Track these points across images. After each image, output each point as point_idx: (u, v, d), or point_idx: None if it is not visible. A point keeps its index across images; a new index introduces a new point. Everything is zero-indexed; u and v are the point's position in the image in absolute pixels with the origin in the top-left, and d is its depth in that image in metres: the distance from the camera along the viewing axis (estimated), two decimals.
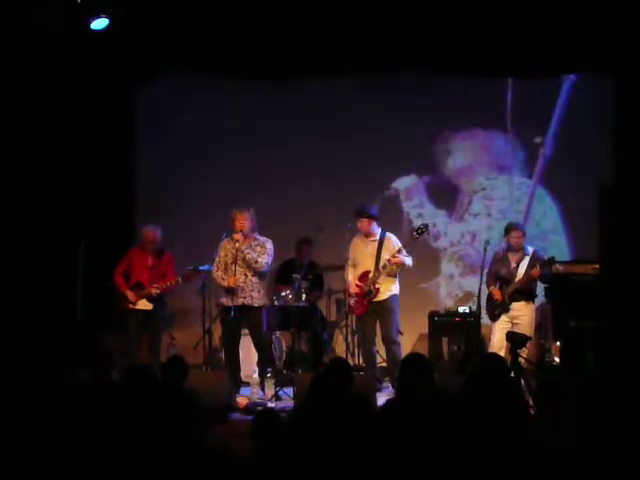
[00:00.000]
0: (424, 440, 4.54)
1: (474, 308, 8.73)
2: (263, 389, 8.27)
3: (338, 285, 9.56)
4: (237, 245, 8.11)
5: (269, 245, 8.26)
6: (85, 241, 8.58)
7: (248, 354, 8.65)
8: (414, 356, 5.61)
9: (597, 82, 9.79)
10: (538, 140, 10.02)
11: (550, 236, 10.02)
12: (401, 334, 8.70)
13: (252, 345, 8.46)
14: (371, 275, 8.41)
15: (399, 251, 8.34)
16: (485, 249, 8.40)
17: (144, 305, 8.55)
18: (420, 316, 9.49)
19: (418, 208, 10.26)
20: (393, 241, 8.49)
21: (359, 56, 9.60)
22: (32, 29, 8.70)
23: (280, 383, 8.27)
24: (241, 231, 8.12)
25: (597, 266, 7.92)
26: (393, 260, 8.31)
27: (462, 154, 10.28)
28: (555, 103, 9.95)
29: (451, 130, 10.24)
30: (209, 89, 10.28)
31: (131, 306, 8.55)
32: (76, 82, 9.59)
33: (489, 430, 4.52)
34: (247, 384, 8.50)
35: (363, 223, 8.48)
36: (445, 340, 9.43)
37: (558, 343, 8.63)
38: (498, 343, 8.13)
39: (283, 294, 9.29)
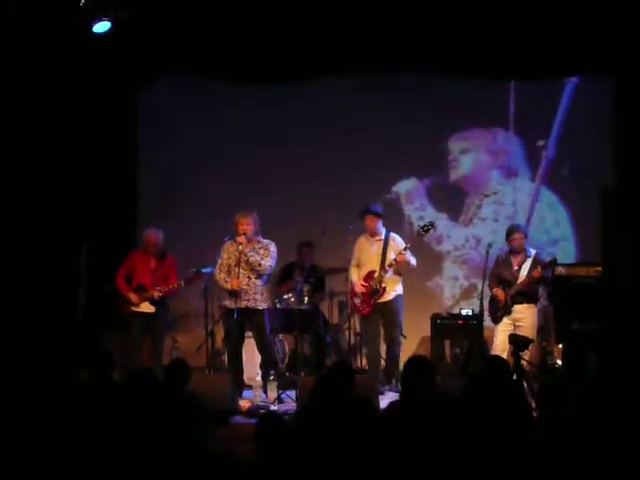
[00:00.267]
0: (427, 443, 4.54)
1: (477, 309, 8.74)
2: (266, 392, 8.26)
3: (340, 287, 9.57)
4: (240, 248, 8.12)
5: (272, 248, 8.26)
6: (87, 244, 8.58)
7: (251, 357, 8.64)
8: (417, 358, 5.61)
9: (599, 85, 9.78)
10: (540, 143, 10.02)
11: (560, 242, 10.01)
12: (404, 337, 8.74)
13: (255, 348, 8.46)
14: (376, 274, 8.50)
15: (405, 249, 8.42)
16: (487, 252, 8.45)
17: (146, 308, 8.56)
18: (422, 318, 9.48)
19: (419, 211, 10.26)
20: (398, 241, 8.62)
21: (360, 58, 9.59)
22: (34, 32, 8.71)
23: (283, 386, 8.27)
24: (244, 234, 8.13)
25: (599, 268, 7.92)
26: (399, 258, 8.39)
27: (464, 157, 10.27)
28: (557, 106, 9.94)
29: (453, 133, 10.23)
30: (210, 92, 10.29)
31: (133, 309, 8.56)
32: (78, 85, 9.60)
33: (491, 433, 4.52)
34: (250, 387, 8.50)
35: (371, 221, 8.56)
36: (447, 342, 9.44)
37: (560, 345, 8.62)
38: (500, 345, 8.13)
39: (285, 297, 9.30)
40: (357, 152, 10.11)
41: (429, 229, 8.54)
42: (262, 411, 7.64)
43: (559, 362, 8.76)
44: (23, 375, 6.28)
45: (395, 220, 9.63)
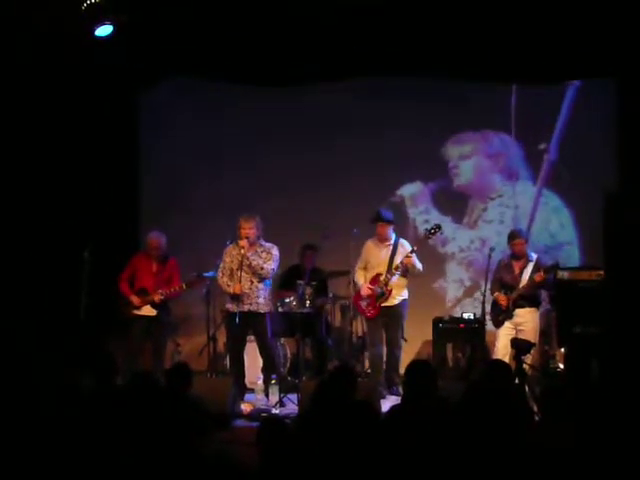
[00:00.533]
0: (428, 447, 4.54)
1: (479, 312, 8.75)
2: (267, 395, 8.27)
3: (342, 291, 9.57)
4: (243, 252, 8.11)
5: (275, 251, 8.27)
6: (89, 246, 8.58)
7: (253, 361, 8.65)
8: (419, 363, 5.62)
9: (601, 88, 9.77)
10: (542, 146, 10.02)
11: (565, 246, 10.00)
12: (405, 341, 8.76)
13: (257, 351, 8.46)
14: (382, 277, 8.57)
15: (411, 252, 8.50)
16: (489, 256, 8.46)
17: (148, 311, 8.56)
18: (426, 322, 9.46)
19: (424, 214, 10.25)
20: (406, 246, 8.71)
21: (364, 61, 9.56)
22: (37, 34, 8.71)
23: (284, 390, 8.27)
24: (247, 238, 8.12)
25: (602, 272, 7.91)
26: (406, 260, 8.47)
27: (464, 163, 10.27)
28: (559, 109, 9.94)
29: (456, 136, 10.22)
30: (212, 94, 10.29)
31: (135, 312, 8.56)
32: (79, 87, 9.59)
33: (493, 436, 4.51)
34: (252, 390, 8.50)
35: (382, 228, 8.66)
36: (449, 346, 9.42)
37: (562, 349, 8.61)
38: (502, 349, 8.15)
39: (287, 300, 9.29)
40: (360, 155, 10.09)
41: (436, 232, 8.63)
42: (264, 415, 7.65)
43: (561, 366, 8.74)
44: (25, 379, 6.28)
45: (400, 223, 9.63)
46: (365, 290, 8.66)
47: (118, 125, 10.16)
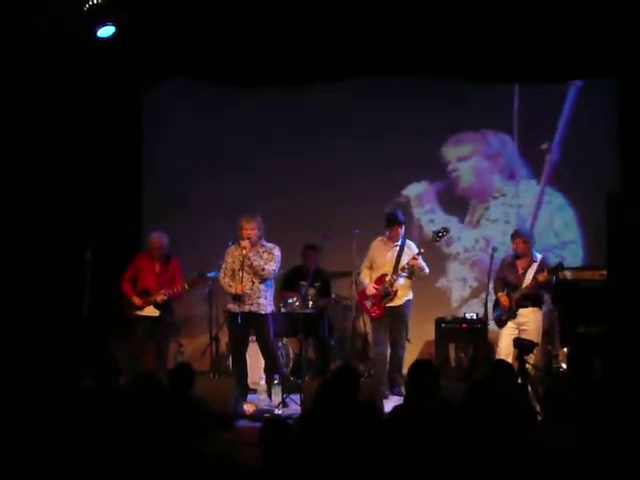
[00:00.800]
0: (431, 447, 4.54)
1: (481, 313, 8.75)
2: (270, 396, 8.27)
3: (345, 292, 9.57)
4: (244, 252, 8.11)
5: (277, 252, 8.26)
6: (92, 247, 8.58)
7: (255, 361, 8.65)
8: (421, 363, 5.61)
9: (603, 88, 9.77)
10: (545, 146, 10.01)
11: (569, 245, 9.99)
12: (409, 342, 8.77)
13: (259, 352, 8.45)
14: (388, 278, 8.58)
15: (418, 254, 8.53)
16: (492, 255, 8.45)
17: (151, 312, 8.56)
18: (429, 322, 9.46)
19: (429, 214, 10.25)
20: (413, 248, 8.72)
21: (364, 61, 9.56)
22: (40, 35, 8.72)
23: (287, 390, 8.26)
24: (248, 239, 8.12)
25: (604, 272, 7.91)
26: (412, 262, 8.48)
27: (462, 166, 10.27)
28: (561, 109, 9.93)
29: (459, 136, 10.22)
30: (212, 95, 10.28)
31: (138, 312, 8.56)
32: (81, 87, 9.60)
33: (496, 437, 4.51)
34: (254, 391, 8.50)
35: (396, 231, 8.69)
36: (452, 346, 9.42)
37: (565, 349, 8.60)
38: (505, 349, 8.14)
39: (290, 301, 9.29)
40: (360, 155, 10.07)
41: (444, 235, 8.63)
42: (266, 415, 7.65)
43: (564, 366, 8.74)
44: (26, 379, 6.28)
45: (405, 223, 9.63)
46: (371, 289, 8.66)
47: (119, 125, 10.15)
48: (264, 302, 8.22)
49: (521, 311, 8.26)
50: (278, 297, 9.16)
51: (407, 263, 8.54)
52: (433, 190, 10.30)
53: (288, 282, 9.61)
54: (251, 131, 10.33)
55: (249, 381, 8.51)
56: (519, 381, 6.83)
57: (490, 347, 8.81)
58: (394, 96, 9.95)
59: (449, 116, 9.97)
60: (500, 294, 8.38)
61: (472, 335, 9.15)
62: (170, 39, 9.27)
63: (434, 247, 9.08)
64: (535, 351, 7.88)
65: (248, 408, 7.89)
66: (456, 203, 10.23)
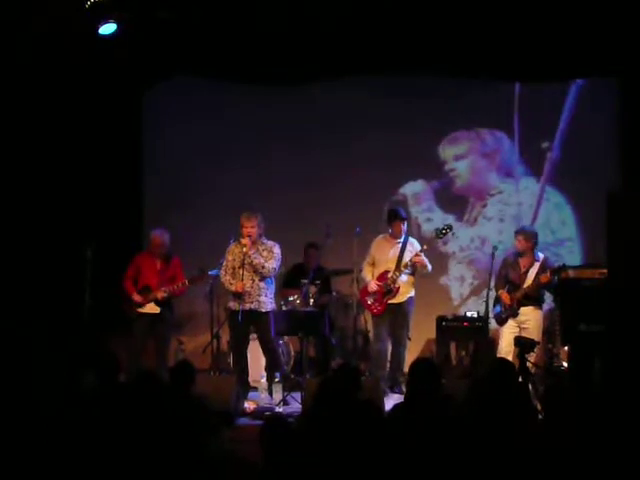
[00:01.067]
0: (432, 445, 4.54)
1: (481, 311, 8.75)
2: (271, 394, 8.28)
3: (346, 289, 9.57)
4: (245, 250, 8.12)
5: (277, 250, 8.26)
6: (92, 245, 8.58)
7: (256, 359, 8.66)
8: (422, 361, 5.61)
9: (604, 86, 9.77)
10: (545, 144, 10.01)
11: (566, 243, 10.00)
12: (409, 340, 8.77)
13: (260, 350, 8.46)
14: (390, 274, 8.60)
15: (421, 251, 8.57)
16: (493, 254, 8.45)
17: (151, 309, 8.57)
18: (429, 320, 9.46)
19: (427, 213, 10.26)
20: (415, 245, 8.75)
21: (364, 61, 9.57)
22: (41, 33, 8.72)
23: (288, 388, 8.27)
24: (249, 237, 8.12)
25: (605, 271, 7.90)
26: (415, 259, 8.51)
27: (459, 165, 10.27)
28: (562, 107, 9.93)
29: (458, 134, 10.22)
30: (216, 93, 10.29)
31: (139, 310, 8.57)
32: (83, 86, 9.59)
33: (496, 435, 4.51)
34: (255, 389, 8.52)
35: (399, 226, 8.71)
36: (453, 345, 9.42)
37: (566, 348, 8.60)
38: (506, 348, 8.14)
39: (291, 299, 9.29)
40: (360, 154, 10.08)
41: (447, 232, 8.64)
42: (267, 413, 7.66)
43: (565, 364, 8.74)
44: (28, 377, 6.28)
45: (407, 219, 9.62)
46: (373, 286, 8.66)
47: (120, 124, 10.15)
48: (265, 300, 8.23)
49: (522, 309, 8.27)
50: (279, 295, 9.17)
51: (410, 260, 8.55)
52: (430, 189, 10.30)
53: (289, 280, 9.62)
54: (251, 130, 10.33)
55: (250, 379, 8.52)
56: (520, 379, 6.82)
57: (491, 345, 8.81)
58: (394, 95, 9.94)
59: (449, 115, 9.97)
60: (501, 291, 8.39)
61: (473, 333, 9.15)
62: (171, 38, 9.27)
63: (433, 247, 9.09)
64: (536, 349, 7.88)
65: (249, 406, 7.91)
66: (454, 201, 10.24)
